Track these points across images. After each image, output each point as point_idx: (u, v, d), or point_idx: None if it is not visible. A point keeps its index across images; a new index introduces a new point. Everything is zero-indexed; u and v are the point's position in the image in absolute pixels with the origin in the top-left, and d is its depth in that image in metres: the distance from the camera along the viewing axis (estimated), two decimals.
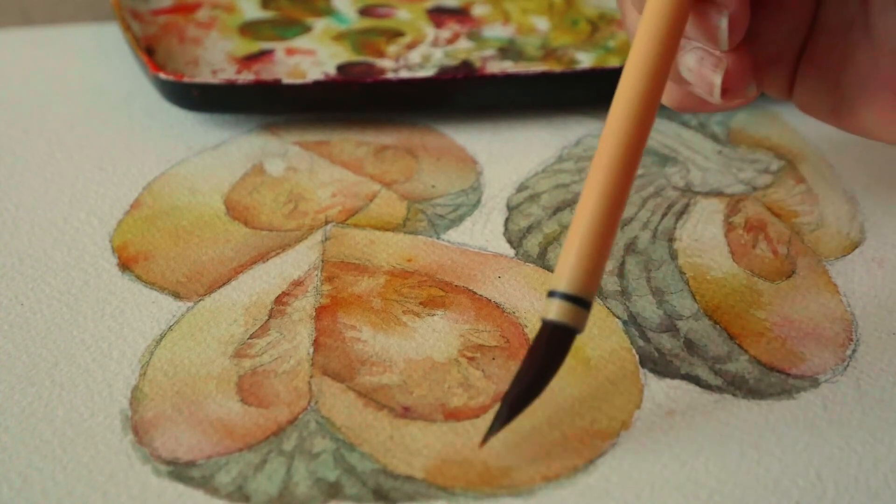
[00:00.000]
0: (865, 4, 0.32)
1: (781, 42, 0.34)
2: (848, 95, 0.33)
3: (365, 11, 0.50)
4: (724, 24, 0.31)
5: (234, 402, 0.31)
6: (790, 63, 0.34)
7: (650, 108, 0.30)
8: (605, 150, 0.30)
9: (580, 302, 0.29)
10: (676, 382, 0.32)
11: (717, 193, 0.40)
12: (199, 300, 0.35)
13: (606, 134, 0.30)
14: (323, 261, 0.36)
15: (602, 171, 0.29)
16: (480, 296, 0.35)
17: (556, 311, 0.29)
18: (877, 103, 0.32)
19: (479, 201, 0.39)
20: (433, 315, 0.34)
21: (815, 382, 0.32)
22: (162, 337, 0.33)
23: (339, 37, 0.48)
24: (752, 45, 0.33)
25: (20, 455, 0.29)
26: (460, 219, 0.38)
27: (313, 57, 0.46)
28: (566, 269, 0.29)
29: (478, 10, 0.50)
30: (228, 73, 0.45)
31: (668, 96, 0.35)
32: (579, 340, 0.33)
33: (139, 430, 0.30)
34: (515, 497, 0.29)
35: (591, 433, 0.30)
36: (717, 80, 0.32)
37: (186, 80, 0.42)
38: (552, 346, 0.29)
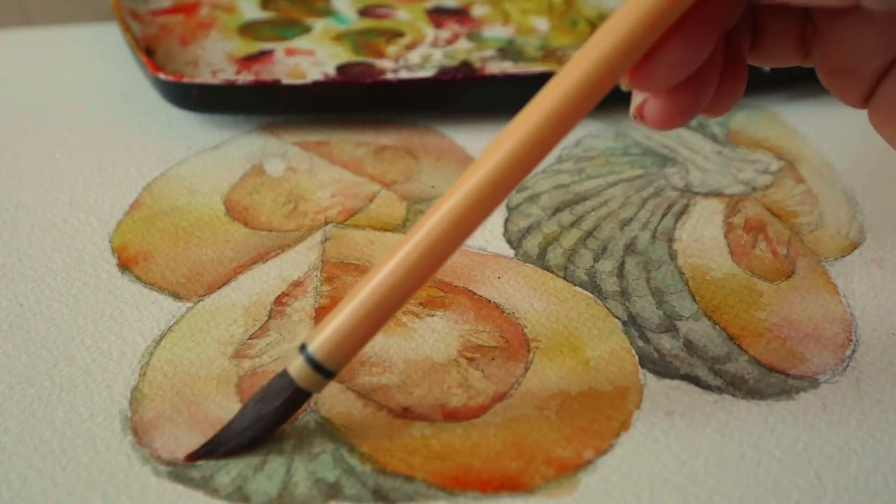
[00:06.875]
0: None
1: (858, 59, 0.31)
2: None
3: (364, 12, 0.50)
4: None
5: (233, 402, 0.31)
6: (870, 80, 0.32)
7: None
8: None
9: (325, 372, 0.29)
10: (676, 383, 0.32)
11: (717, 194, 0.40)
12: (199, 301, 0.35)
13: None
14: (322, 261, 0.36)
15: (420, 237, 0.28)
16: (480, 296, 0.35)
17: (297, 371, 0.29)
18: None
19: None
20: (433, 315, 0.34)
21: (814, 383, 0.32)
22: (162, 337, 0.33)
23: (339, 37, 0.48)
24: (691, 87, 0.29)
25: (20, 455, 0.29)
26: None
27: (313, 57, 0.46)
28: (326, 335, 0.28)
29: (477, 11, 0.50)
30: (228, 73, 0.45)
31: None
32: (579, 340, 0.33)
33: (139, 430, 0.30)
34: (515, 497, 0.29)
35: (591, 433, 0.30)
36: (632, 106, 0.30)
37: (186, 80, 0.42)
38: (289, 401, 0.29)
